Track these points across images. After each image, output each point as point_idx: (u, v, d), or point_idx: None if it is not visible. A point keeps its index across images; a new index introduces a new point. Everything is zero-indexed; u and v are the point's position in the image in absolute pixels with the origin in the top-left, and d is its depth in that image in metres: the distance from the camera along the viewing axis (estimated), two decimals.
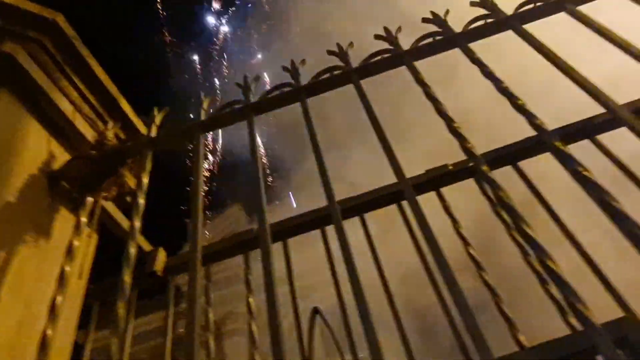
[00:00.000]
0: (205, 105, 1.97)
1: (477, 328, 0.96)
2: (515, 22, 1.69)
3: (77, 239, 1.60)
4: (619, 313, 1.46)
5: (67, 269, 1.48)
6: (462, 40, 1.73)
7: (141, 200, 1.62)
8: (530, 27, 1.70)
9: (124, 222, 2.10)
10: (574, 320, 1.58)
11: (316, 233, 2.13)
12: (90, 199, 1.83)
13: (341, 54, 1.89)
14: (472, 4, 1.84)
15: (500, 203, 1.20)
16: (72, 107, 1.97)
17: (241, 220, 17.36)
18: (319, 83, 1.87)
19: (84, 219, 1.71)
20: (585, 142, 1.86)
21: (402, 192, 1.40)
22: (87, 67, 2.05)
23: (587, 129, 1.80)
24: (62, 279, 1.45)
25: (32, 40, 1.86)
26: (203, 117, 1.92)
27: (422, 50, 1.79)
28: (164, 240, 2.22)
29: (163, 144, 1.92)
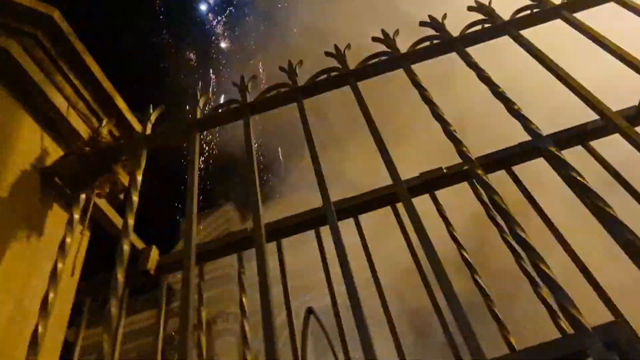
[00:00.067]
0: (201, 103, 1.97)
1: (471, 332, 0.97)
2: (512, 28, 1.70)
3: (70, 235, 1.59)
4: (607, 316, 1.48)
5: (60, 265, 1.47)
6: (459, 44, 1.74)
7: (135, 198, 1.61)
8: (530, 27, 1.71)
9: (117, 220, 2.08)
10: (563, 324, 1.60)
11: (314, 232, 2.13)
12: (83, 196, 1.82)
13: (338, 55, 1.90)
14: (470, 9, 1.85)
15: (494, 206, 1.20)
16: (66, 103, 1.96)
17: (234, 220, 17.31)
18: (316, 84, 1.87)
19: (76, 216, 1.70)
20: (576, 147, 1.88)
21: (396, 194, 1.40)
22: (82, 63, 2.03)
23: (580, 135, 1.82)
24: (54, 275, 1.43)
25: (27, 35, 1.85)
26: (199, 115, 1.91)
27: (419, 53, 1.80)
28: (154, 239, 2.21)
29: (158, 142, 1.92)
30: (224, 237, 2.29)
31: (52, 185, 1.78)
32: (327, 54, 1.93)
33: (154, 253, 2.13)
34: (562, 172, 1.21)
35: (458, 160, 1.39)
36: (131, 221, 1.51)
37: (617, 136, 1.32)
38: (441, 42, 1.78)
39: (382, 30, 1.91)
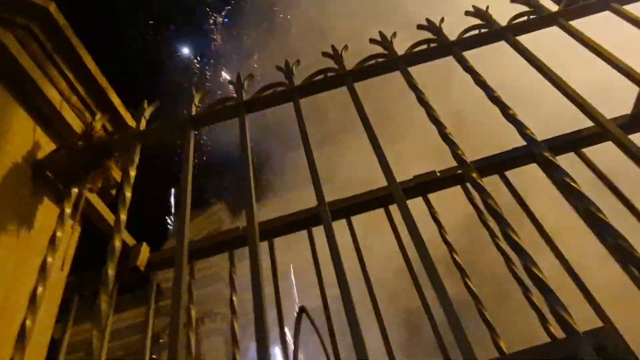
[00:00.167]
0: (196, 100, 1.96)
1: (464, 336, 0.97)
2: (509, 34, 1.72)
3: (61, 229, 1.58)
4: (593, 322, 1.49)
5: (50, 259, 1.45)
6: (456, 48, 1.75)
7: (128, 194, 1.60)
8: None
9: (108, 216, 2.07)
10: (552, 328, 1.61)
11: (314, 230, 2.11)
12: (75, 190, 1.80)
13: (335, 56, 1.90)
14: (467, 14, 1.87)
15: (488, 210, 1.21)
16: (60, 97, 1.94)
17: (224, 220, 17.24)
18: (313, 84, 1.87)
19: (68, 210, 1.68)
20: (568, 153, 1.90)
21: (391, 195, 1.41)
22: (77, 57, 2.01)
23: (574, 142, 1.84)
24: (43, 270, 1.42)
25: (22, 27, 1.83)
26: (194, 112, 1.90)
27: (416, 56, 1.81)
28: (142, 239, 2.19)
29: (152, 138, 1.90)
30: (215, 236, 2.28)
31: (43, 178, 1.76)
32: (325, 54, 1.93)
33: (145, 250, 2.11)
34: (556, 178, 1.22)
35: (453, 161, 1.40)
36: (123, 216, 1.50)
37: (607, 142, 1.34)
38: (438, 45, 1.79)
39: (380, 32, 1.92)
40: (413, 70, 1.74)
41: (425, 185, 2.04)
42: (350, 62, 1.86)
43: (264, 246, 1.91)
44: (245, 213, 1.42)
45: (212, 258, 2.36)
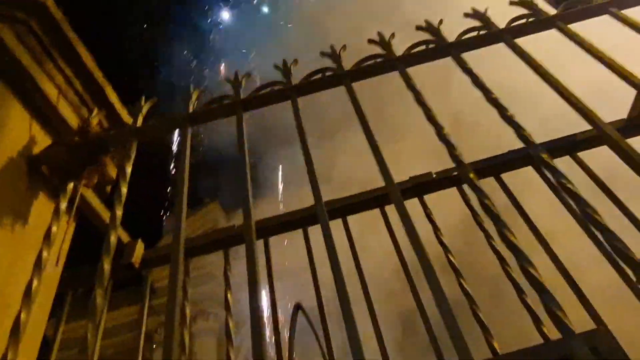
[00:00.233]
0: (193, 97, 1.96)
1: (460, 336, 0.97)
2: (507, 36, 1.73)
3: (56, 224, 1.57)
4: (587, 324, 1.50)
5: (45, 254, 1.44)
6: (454, 50, 1.76)
7: (124, 190, 1.60)
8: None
9: (103, 212, 2.06)
10: (546, 330, 1.62)
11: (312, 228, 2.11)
12: (70, 186, 1.80)
13: (334, 56, 1.90)
14: (466, 16, 1.88)
15: (485, 211, 1.22)
16: (56, 92, 1.93)
17: (219, 219, 17.20)
18: (310, 83, 1.87)
19: (63, 205, 1.67)
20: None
21: (388, 195, 1.41)
22: (74, 52, 2.00)
23: (570, 145, 1.85)
24: (38, 264, 1.41)
25: (20, 22, 1.82)
26: (191, 109, 1.90)
27: (414, 57, 1.82)
28: (136, 235, 2.18)
29: (149, 134, 1.90)
30: (211, 234, 2.27)
31: (39, 174, 1.75)
32: (323, 54, 1.94)
33: (139, 247, 2.11)
34: (552, 181, 1.23)
35: (451, 162, 1.40)
36: (119, 212, 1.50)
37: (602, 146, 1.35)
38: (437, 46, 1.80)
39: (378, 33, 1.92)
40: (412, 70, 1.75)
41: (421, 186, 2.05)
42: (347, 61, 1.87)
43: (259, 245, 1.91)
44: (242, 210, 1.41)
45: (206, 257, 2.35)
